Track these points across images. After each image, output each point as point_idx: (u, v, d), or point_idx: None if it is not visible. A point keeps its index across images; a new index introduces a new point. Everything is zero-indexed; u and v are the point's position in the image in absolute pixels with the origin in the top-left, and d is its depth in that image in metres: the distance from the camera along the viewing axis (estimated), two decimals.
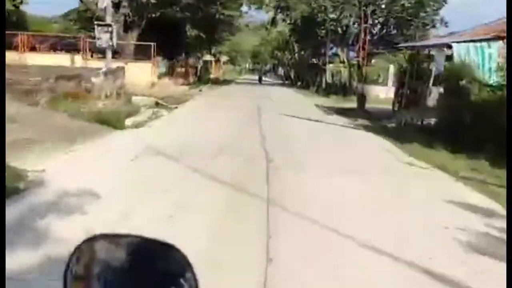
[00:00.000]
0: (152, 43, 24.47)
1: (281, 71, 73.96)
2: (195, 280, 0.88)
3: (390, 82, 24.71)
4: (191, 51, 38.92)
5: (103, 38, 17.91)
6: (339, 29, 37.02)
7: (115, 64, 22.00)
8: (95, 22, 18.60)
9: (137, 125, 9.97)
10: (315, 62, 42.93)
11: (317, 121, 13.34)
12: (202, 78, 45.49)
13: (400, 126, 12.19)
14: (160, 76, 26.16)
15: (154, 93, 20.42)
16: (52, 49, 25.84)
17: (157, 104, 16.06)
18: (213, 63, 64.07)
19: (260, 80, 55.12)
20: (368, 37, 36.69)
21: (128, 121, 10.12)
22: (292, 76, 53.45)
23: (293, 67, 51.83)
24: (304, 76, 46.10)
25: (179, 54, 35.85)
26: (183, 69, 41.16)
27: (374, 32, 39.18)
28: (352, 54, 38.50)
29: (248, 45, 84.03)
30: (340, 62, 35.70)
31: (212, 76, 57.16)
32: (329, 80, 34.04)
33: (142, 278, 0.88)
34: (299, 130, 11.04)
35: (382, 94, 24.53)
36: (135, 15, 25.84)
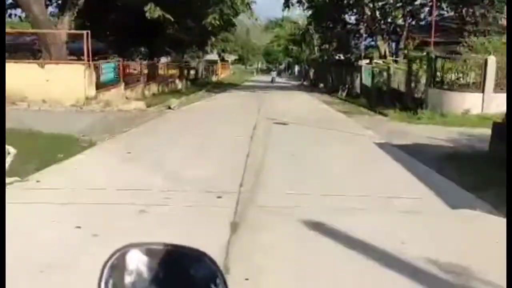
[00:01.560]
0: (84, 32, 14.49)
1: (297, 70, 63.30)
2: (225, 285, 0.89)
3: (490, 85, 14.08)
4: (178, 48, 28.87)
5: None
6: (377, 13, 26.49)
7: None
8: None
9: None
10: (342, 57, 32.41)
11: None
12: (199, 82, 35.48)
13: None
14: (111, 84, 16.15)
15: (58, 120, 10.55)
16: None
17: None
18: (219, 63, 53.99)
19: (272, 81, 45.31)
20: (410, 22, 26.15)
21: None
22: (312, 76, 42.88)
23: (313, 65, 41.19)
24: (327, 76, 35.62)
25: (158, 52, 25.87)
26: (173, 71, 31.59)
27: (422, 16, 28.47)
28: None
29: (260, 42, 73.87)
30: (380, 56, 25.16)
31: (215, 78, 46.99)
32: (367, 82, 23.52)
33: (175, 286, 0.89)
34: None
35: (475, 107, 14.02)
36: None
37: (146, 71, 21.76)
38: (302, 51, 43.77)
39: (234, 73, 61.85)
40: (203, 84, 34.25)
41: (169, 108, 15.11)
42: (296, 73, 62.73)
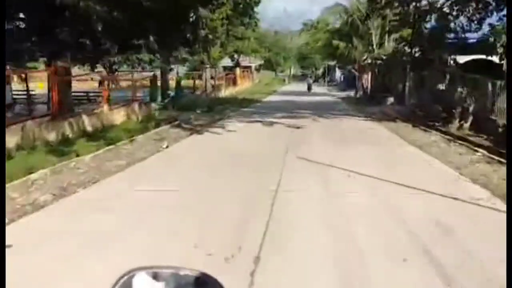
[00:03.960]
0: None
1: (340, 76, 48.00)
2: None
3: None
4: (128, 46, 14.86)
5: None
6: None
7: None
8: None
9: None
10: (435, 54, 17.28)
11: None
12: (189, 102, 21.56)
13: None
14: None
15: None
16: None
17: None
18: (237, 71, 39.87)
19: (309, 89, 35.39)
20: None
21: None
22: (366, 85, 27.71)
23: (372, 67, 25.89)
24: (398, 87, 20.58)
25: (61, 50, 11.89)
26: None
27: None
28: None
29: (291, 44, 59.42)
30: None
31: (230, 91, 32.89)
32: None
33: None
34: None
35: None
36: None
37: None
38: (352, 47, 28.64)
39: (260, 82, 47.45)
40: (197, 104, 20.19)
41: None
42: (339, 79, 47.54)
